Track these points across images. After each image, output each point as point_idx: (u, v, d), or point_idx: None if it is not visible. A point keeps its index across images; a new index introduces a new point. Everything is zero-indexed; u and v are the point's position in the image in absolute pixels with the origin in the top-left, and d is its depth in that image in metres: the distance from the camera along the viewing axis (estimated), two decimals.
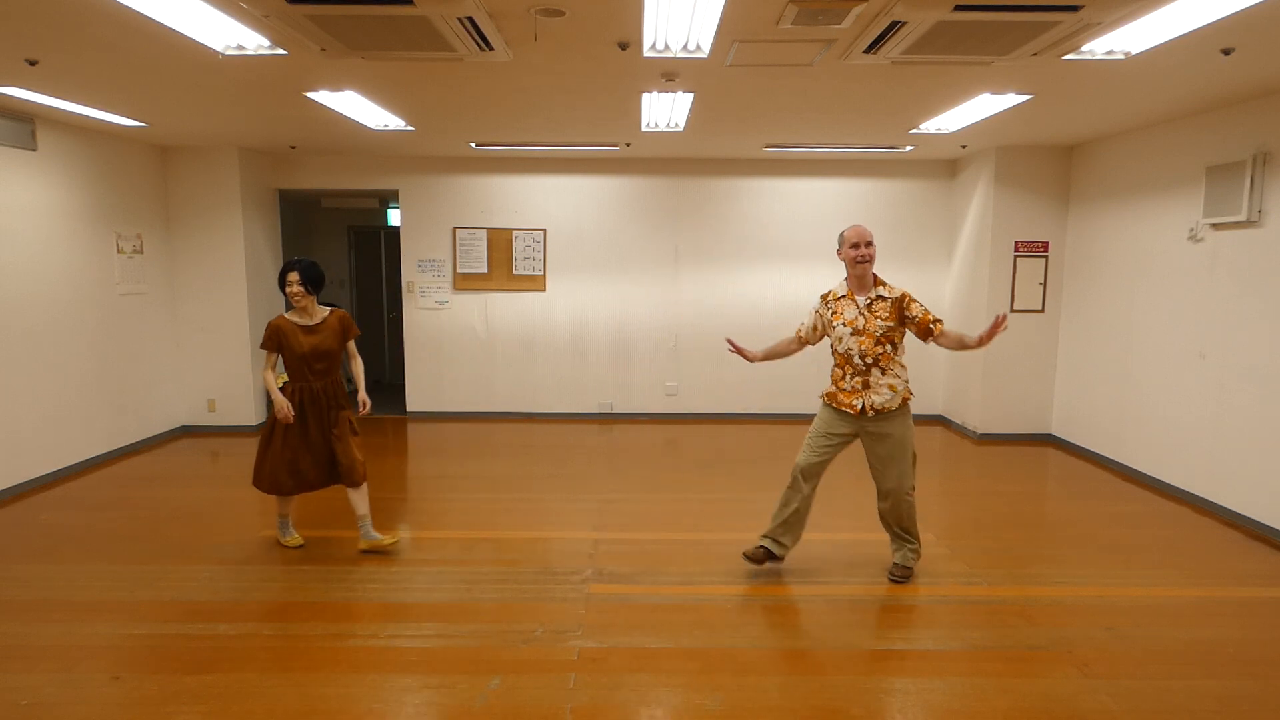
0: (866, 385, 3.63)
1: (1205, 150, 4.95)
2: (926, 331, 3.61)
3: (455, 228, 7.38)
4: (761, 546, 3.84)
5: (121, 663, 2.99)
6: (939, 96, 4.59)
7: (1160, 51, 3.57)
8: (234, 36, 3.42)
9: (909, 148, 6.50)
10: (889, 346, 3.62)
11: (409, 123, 5.50)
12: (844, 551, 4.18)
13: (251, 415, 7.01)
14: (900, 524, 3.81)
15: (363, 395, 4.13)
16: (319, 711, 2.69)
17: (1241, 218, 4.60)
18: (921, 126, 5.48)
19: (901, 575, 3.81)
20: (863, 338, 3.60)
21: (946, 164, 7.30)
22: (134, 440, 6.34)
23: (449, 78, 4.20)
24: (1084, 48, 3.50)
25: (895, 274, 7.39)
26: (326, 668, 2.97)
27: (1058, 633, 3.30)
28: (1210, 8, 2.99)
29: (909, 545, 3.85)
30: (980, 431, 6.80)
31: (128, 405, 6.25)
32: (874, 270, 3.68)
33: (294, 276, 3.84)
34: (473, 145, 6.53)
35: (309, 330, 3.91)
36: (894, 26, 3.17)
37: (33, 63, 3.87)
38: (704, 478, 5.61)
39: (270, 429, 3.95)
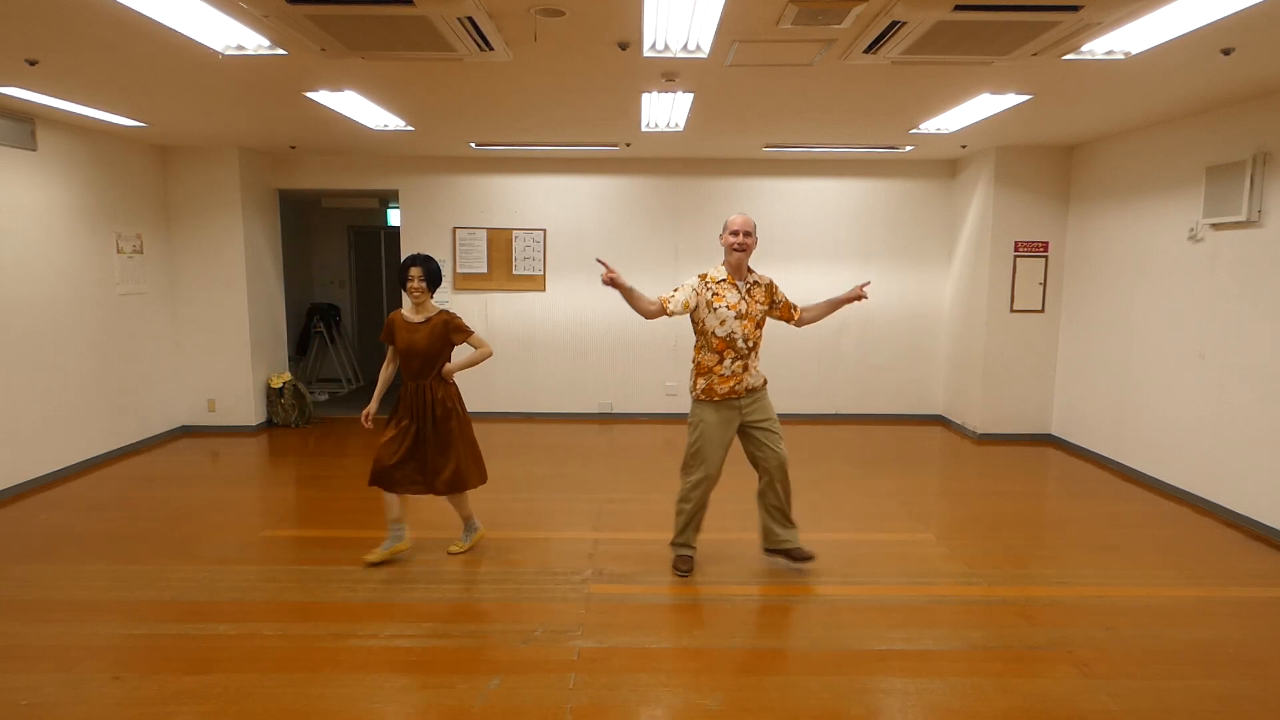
0: (746, 369, 3.69)
1: (1205, 150, 4.95)
2: (789, 314, 3.84)
3: (455, 228, 7.38)
4: (689, 556, 3.92)
5: (121, 663, 2.99)
6: (939, 96, 4.59)
7: (1160, 51, 3.57)
8: (234, 36, 3.42)
9: (909, 148, 6.50)
10: (761, 331, 3.73)
11: (409, 123, 5.50)
12: (844, 551, 4.17)
13: (251, 415, 7.02)
14: (786, 502, 3.87)
15: (449, 366, 3.92)
16: (319, 711, 2.69)
17: (1241, 218, 4.60)
18: (921, 126, 5.48)
19: (807, 556, 3.89)
20: (745, 321, 3.65)
21: (946, 164, 7.30)
22: (134, 440, 6.34)
23: (449, 78, 4.20)
24: (1084, 48, 3.50)
25: (895, 274, 7.41)
26: (326, 668, 2.97)
27: (1058, 633, 3.30)
28: (1210, 8, 2.99)
29: (793, 525, 3.92)
30: (980, 431, 6.80)
31: (128, 405, 6.25)
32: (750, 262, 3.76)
33: (416, 271, 3.80)
34: (473, 145, 6.53)
35: (411, 327, 3.85)
36: (894, 26, 3.17)
37: (33, 63, 3.87)
38: None
39: (388, 427, 3.91)
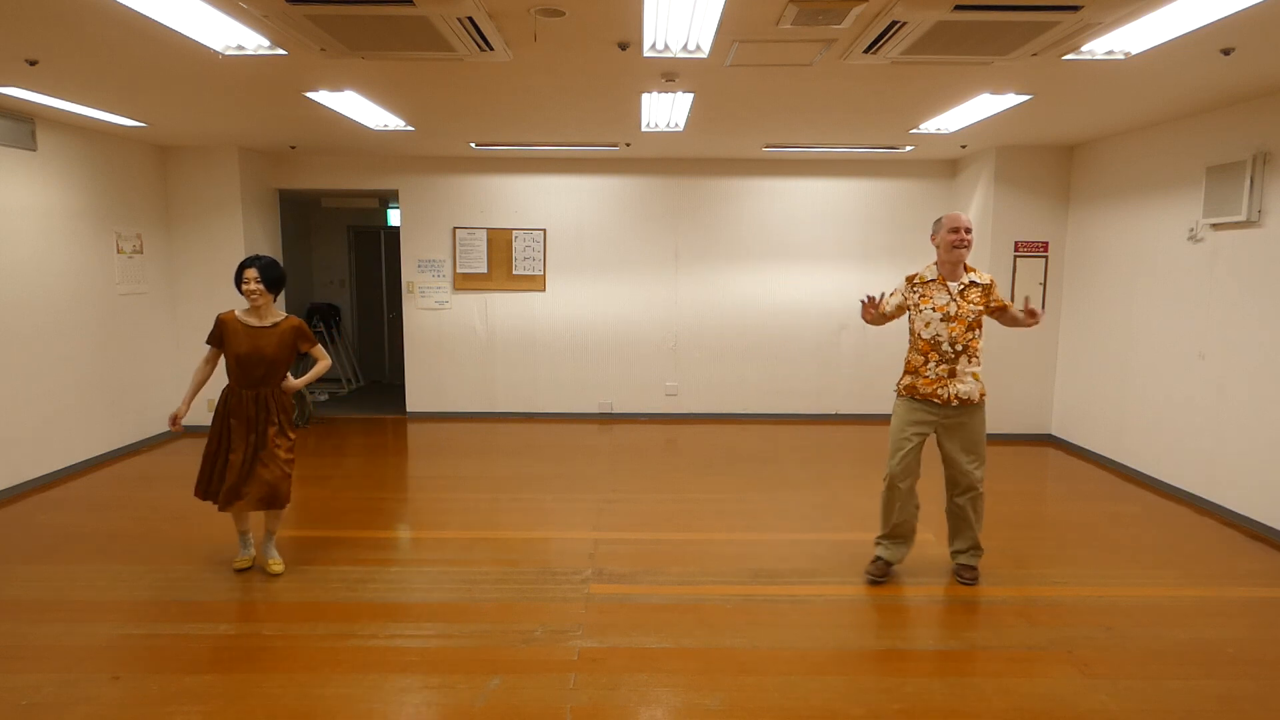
0: (953, 374, 3.60)
1: (1205, 150, 4.95)
2: (1002, 312, 3.69)
3: (455, 228, 7.38)
4: (879, 559, 3.82)
5: (121, 663, 2.99)
6: (939, 96, 4.59)
7: (1160, 51, 3.57)
8: (234, 36, 3.42)
9: (909, 148, 6.50)
10: (977, 332, 3.62)
11: (409, 123, 5.50)
12: (844, 551, 4.17)
13: None
14: (972, 522, 3.79)
15: (290, 382, 3.78)
16: (319, 711, 2.69)
17: (1241, 218, 4.60)
18: (921, 126, 5.48)
19: (971, 577, 3.79)
20: (954, 324, 3.57)
21: (946, 164, 7.30)
22: (134, 440, 6.34)
23: (449, 78, 4.20)
24: (1084, 48, 3.50)
25: (895, 274, 7.38)
26: (326, 668, 2.97)
27: (1058, 633, 3.30)
28: (1210, 8, 2.99)
29: (974, 545, 3.83)
30: None
31: (128, 405, 6.25)
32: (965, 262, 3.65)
33: (251, 274, 3.59)
34: (473, 145, 6.53)
35: (254, 332, 3.65)
36: (894, 26, 3.17)
37: (33, 63, 3.87)
38: (704, 478, 5.61)
39: (210, 434, 3.73)
